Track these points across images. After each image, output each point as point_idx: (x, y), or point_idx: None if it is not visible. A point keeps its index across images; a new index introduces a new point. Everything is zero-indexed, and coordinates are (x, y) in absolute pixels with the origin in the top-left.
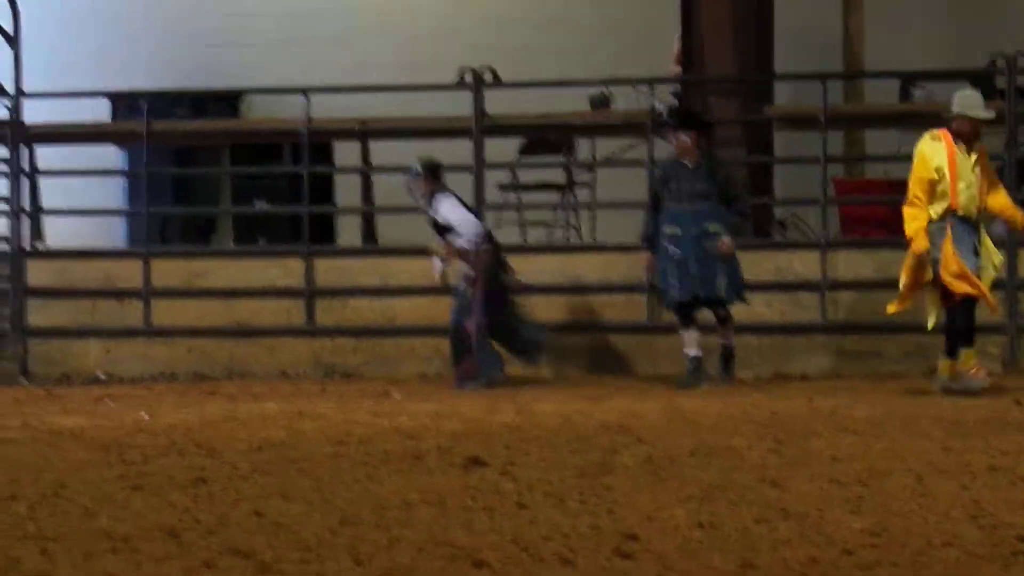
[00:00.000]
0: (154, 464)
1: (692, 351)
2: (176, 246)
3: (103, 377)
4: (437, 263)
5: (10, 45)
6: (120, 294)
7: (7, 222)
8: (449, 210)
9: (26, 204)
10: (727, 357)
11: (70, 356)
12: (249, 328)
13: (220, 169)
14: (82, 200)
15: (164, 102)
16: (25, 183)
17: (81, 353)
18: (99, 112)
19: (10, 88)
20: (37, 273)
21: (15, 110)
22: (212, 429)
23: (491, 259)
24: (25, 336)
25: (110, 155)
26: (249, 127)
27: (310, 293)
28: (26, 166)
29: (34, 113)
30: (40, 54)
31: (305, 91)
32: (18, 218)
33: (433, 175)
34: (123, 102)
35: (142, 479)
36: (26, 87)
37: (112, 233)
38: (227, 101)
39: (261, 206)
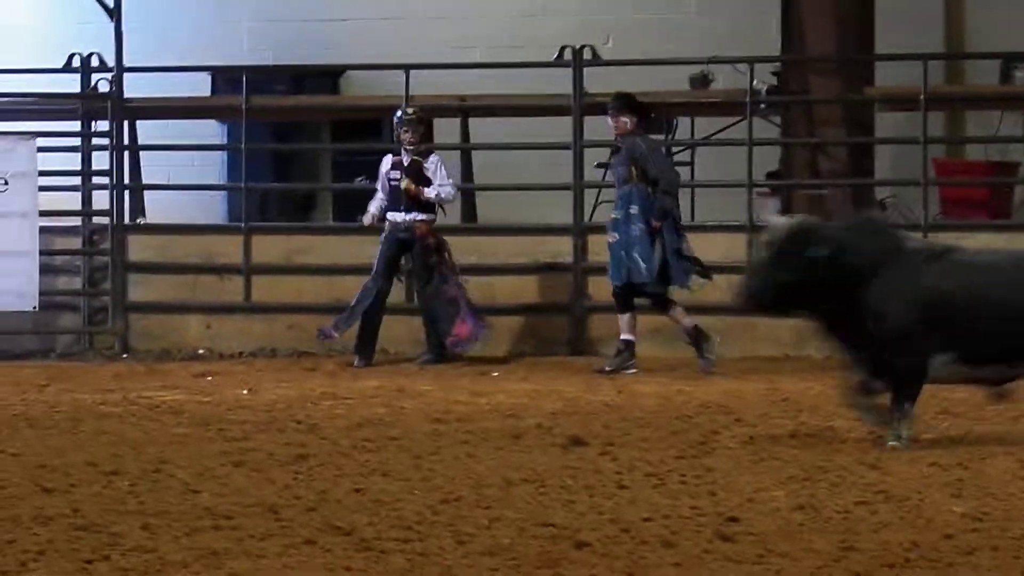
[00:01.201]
0: (255, 440)
1: (624, 335)
2: (276, 222)
3: (203, 353)
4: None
5: (111, 19)
6: (220, 270)
7: (108, 197)
8: (437, 164)
9: (127, 179)
10: (693, 341)
11: (171, 331)
12: (349, 304)
13: (320, 145)
14: (182, 175)
15: (264, 77)
16: (126, 158)
17: (182, 328)
18: (199, 87)
19: (111, 63)
20: (138, 248)
21: (116, 85)
22: (312, 406)
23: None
24: (126, 311)
25: (211, 130)
26: (349, 103)
27: (409, 271)
28: (127, 141)
29: (135, 88)
30: (141, 29)
31: (406, 68)
32: (119, 193)
33: (426, 125)
34: (223, 77)
35: (243, 455)
36: (127, 62)
37: (212, 208)
38: (327, 77)
39: (361, 182)
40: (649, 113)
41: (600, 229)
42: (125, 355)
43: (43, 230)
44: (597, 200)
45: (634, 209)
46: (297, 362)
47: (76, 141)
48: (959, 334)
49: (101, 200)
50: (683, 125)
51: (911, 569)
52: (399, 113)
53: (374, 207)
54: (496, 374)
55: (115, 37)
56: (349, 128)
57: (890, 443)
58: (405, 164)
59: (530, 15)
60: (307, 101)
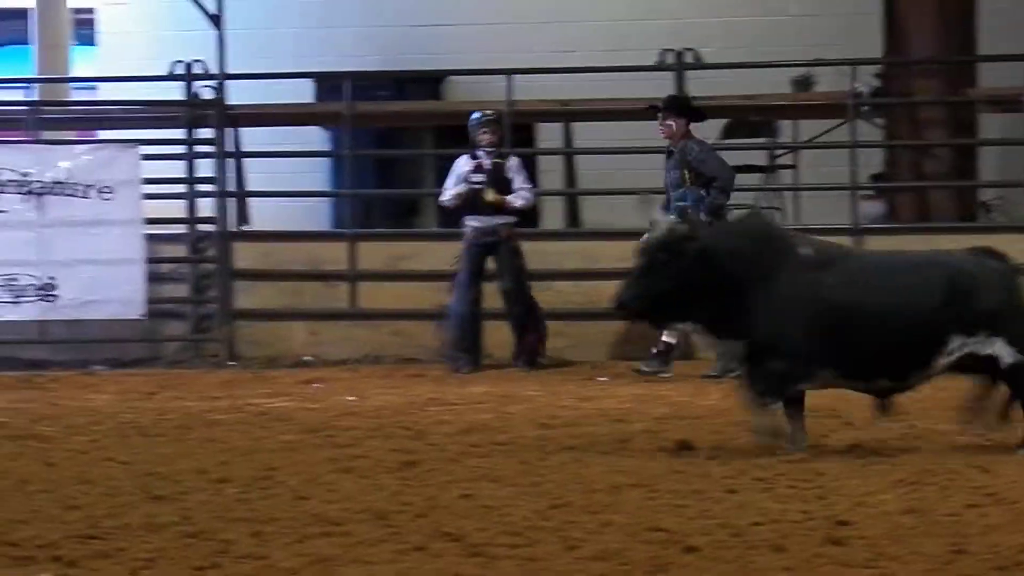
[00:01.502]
0: (363, 447)
1: (666, 337)
2: (380, 228)
3: (309, 359)
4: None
5: (215, 27)
6: (325, 276)
7: (213, 204)
8: (518, 168)
9: (232, 186)
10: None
11: (276, 338)
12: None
13: (423, 151)
14: (287, 182)
15: (367, 83)
16: (230, 165)
17: (287, 335)
18: (303, 93)
19: (214, 70)
20: (243, 255)
21: (219, 91)
22: (419, 412)
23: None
24: (232, 318)
25: (315, 136)
26: (452, 108)
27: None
28: (231, 148)
29: (238, 95)
30: (244, 36)
31: (508, 72)
32: (224, 200)
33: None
34: (326, 83)
35: (351, 462)
36: (230, 69)
37: (317, 215)
38: (430, 82)
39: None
40: (701, 115)
41: None
42: (232, 362)
43: (149, 238)
44: None
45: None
46: (402, 368)
47: (181, 149)
48: (842, 347)
49: (206, 207)
50: (785, 128)
51: (1022, 572)
52: (477, 115)
53: (455, 192)
54: (603, 379)
55: (218, 44)
56: (452, 133)
57: (783, 451)
58: (486, 167)
59: (631, 19)
60: (410, 107)
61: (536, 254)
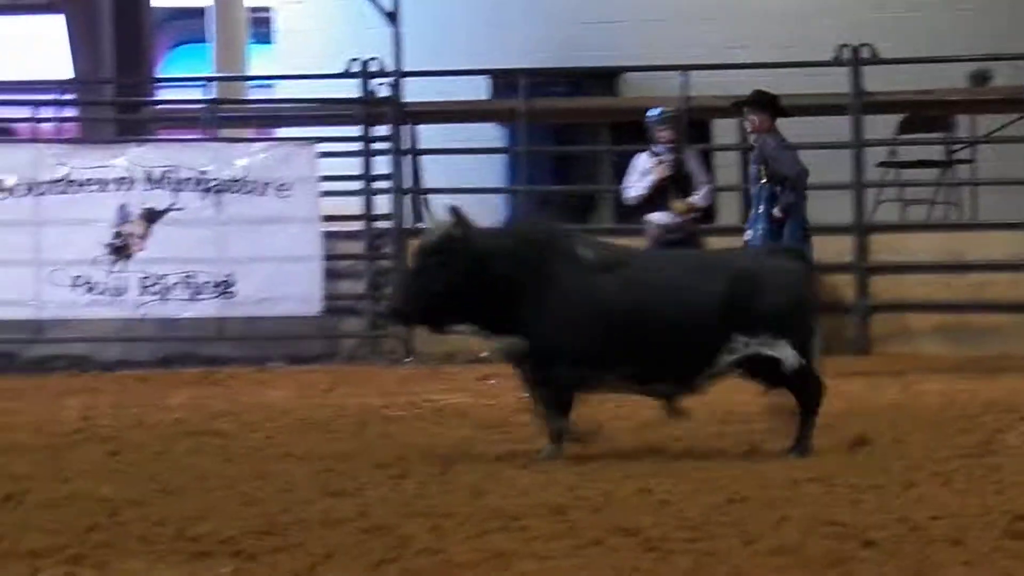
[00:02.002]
0: (539, 442)
1: None
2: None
3: (486, 355)
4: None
5: (391, 24)
6: None
7: (390, 200)
8: (699, 164)
9: (408, 183)
10: None
11: (453, 335)
12: None
13: (599, 147)
14: (463, 178)
15: (543, 80)
16: (407, 162)
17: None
18: (479, 90)
19: (390, 67)
20: None
21: (396, 89)
22: (594, 408)
23: None
24: None
25: (491, 133)
26: (627, 105)
27: None
28: (407, 145)
29: (414, 92)
30: (420, 33)
31: (683, 68)
32: (400, 197)
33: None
34: (502, 80)
35: (528, 457)
36: (406, 66)
37: (494, 211)
38: (605, 78)
39: None
40: (783, 111)
41: (881, 228)
42: (408, 359)
43: (326, 235)
44: (878, 199)
45: (762, 208)
46: None
47: (357, 146)
48: (624, 350)
49: (383, 204)
50: (962, 123)
51: None
52: (656, 111)
53: (639, 189)
54: None
55: (394, 42)
56: (627, 129)
57: (540, 456)
58: (667, 164)
59: (805, 14)
60: (586, 103)
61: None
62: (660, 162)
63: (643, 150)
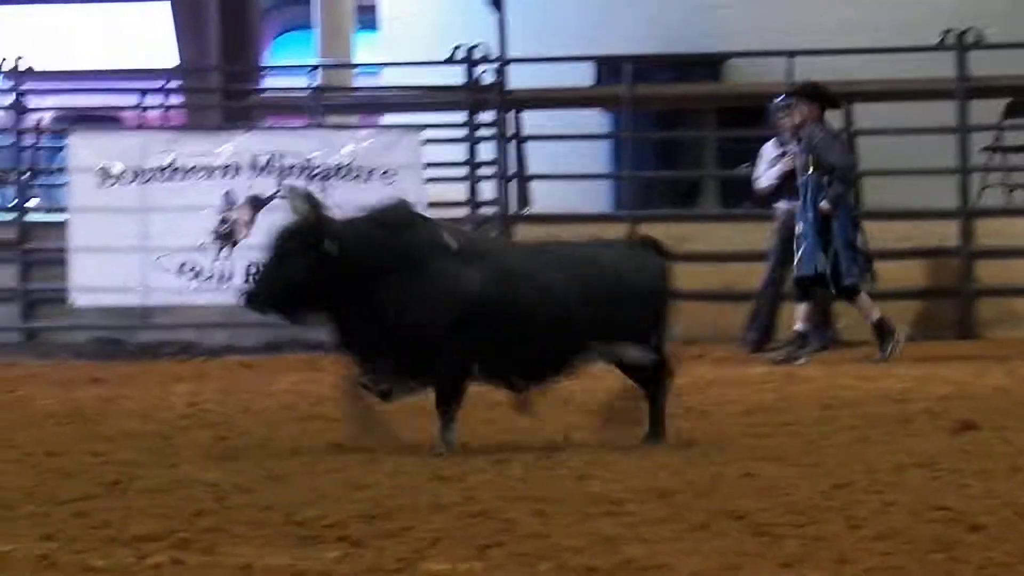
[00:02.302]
0: (644, 427)
1: (797, 324)
2: (661, 210)
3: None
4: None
5: (496, 11)
6: None
7: (494, 187)
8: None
9: (513, 169)
10: (877, 334)
11: None
12: (736, 292)
13: (704, 133)
14: (568, 164)
15: (647, 66)
16: (511, 148)
17: None
18: (583, 77)
19: (495, 54)
20: (525, 237)
21: (500, 75)
22: (701, 392)
23: None
24: None
25: (595, 119)
26: (733, 91)
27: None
28: (512, 131)
29: (519, 78)
30: (524, 20)
31: (789, 54)
32: (505, 183)
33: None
34: (607, 66)
35: (632, 441)
36: (511, 53)
37: (598, 197)
38: (710, 64)
39: (746, 169)
40: (834, 102)
41: (986, 213)
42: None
43: None
44: (983, 184)
45: (809, 199)
46: (685, 349)
47: (462, 132)
48: (483, 342)
49: (488, 191)
50: None
51: None
52: (780, 99)
53: (769, 178)
54: (880, 359)
55: (499, 28)
56: (733, 115)
57: (436, 451)
58: (792, 153)
59: None
60: (691, 89)
61: None
62: (784, 152)
63: (754, 137)
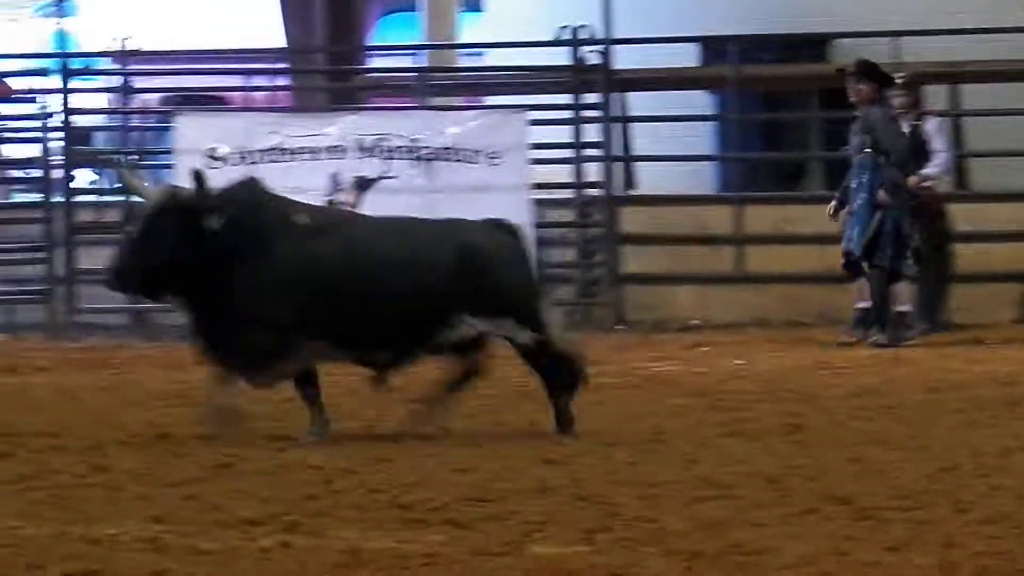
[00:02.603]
0: (751, 411)
1: (858, 303)
2: (766, 192)
3: (696, 323)
4: None
5: None
6: (712, 240)
7: (600, 168)
8: (937, 131)
9: (618, 150)
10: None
11: (663, 302)
12: (841, 274)
13: (809, 114)
14: (673, 146)
15: (753, 47)
16: (617, 129)
17: (674, 299)
18: (688, 57)
19: (601, 34)
20: (630, 220)
21: (606, 57)
22: (806, 375)
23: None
24: (620, 282)
25: (700, 100)
26: (837, 71)
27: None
28: (617, 112)
29: (624, 59)
30: (630, 1)
31: (894, 35)
32: (610, 164)
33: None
34: (712, 47)
35: (739, 425)
36: (616, 33)
37: (703, 179)
38: (815, 45)
39: (849, 151)
40: (890, 82)
41: None
42: (619, 326)
43: (536, 203)
44: None
45: (864, 179)
46: (790, 332)
47: (567, 114)
48: (335, 318)
49: (593, 172)
50: None
51: None
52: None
53: None
54: (990, 342)
55: (604, 9)
56: (838, 96)
57: (305, 439)
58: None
59: None
60: (796, 70)
61: None
62: None
63: (855, 118)
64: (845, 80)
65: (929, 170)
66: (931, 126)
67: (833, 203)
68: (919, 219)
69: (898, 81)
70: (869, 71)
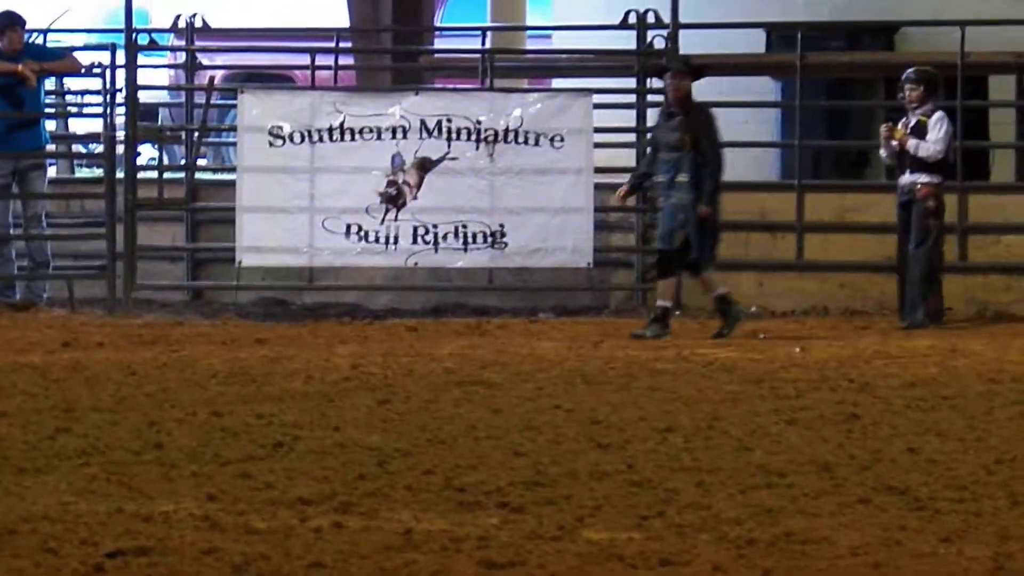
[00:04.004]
0: (807, 399)
1: (660, 301)
2: (830, 180)
3: (756, 310)
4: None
5: None
6: (773, 227)
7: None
8: (937, 121)
9: None
10: (720, 309)
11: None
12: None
13: (874, 102)
14: (737, 132)
15: (819, 34)
16: None
17: (734, 286)
18: (754, 44)
19: (667, 19)
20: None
21: (672, 42)
22: (864, 364)
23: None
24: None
25: (765, 87)
26: (903, 60)
27: (963, 229)
28: None
29: (690, 45)
30: None
31: (961, 24)
32: None
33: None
34: (778, 34)
35: (795, 413)
36: (683, 18)
37: (766, 166)
38: (882, 33)
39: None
40: (701, 74)
41: None
42: (677, 312)
43: (598, 187)
44: None
45: (682, 177)
46: (849, 320)
47: (632, 98)
48: None
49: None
50: None
51: None
52: (907, 72)
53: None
54: None
55: None
56: None
57: None
58: (911, 124)
59: None
60: (862, 58)
61: (985, 208)
62: (905, 123)
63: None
64: (664, 77)
65: (913, 143)
66: (933, 118)
67: (625, 187)
68: (918, 212)
69: (910, 75)
70: (688, 66)
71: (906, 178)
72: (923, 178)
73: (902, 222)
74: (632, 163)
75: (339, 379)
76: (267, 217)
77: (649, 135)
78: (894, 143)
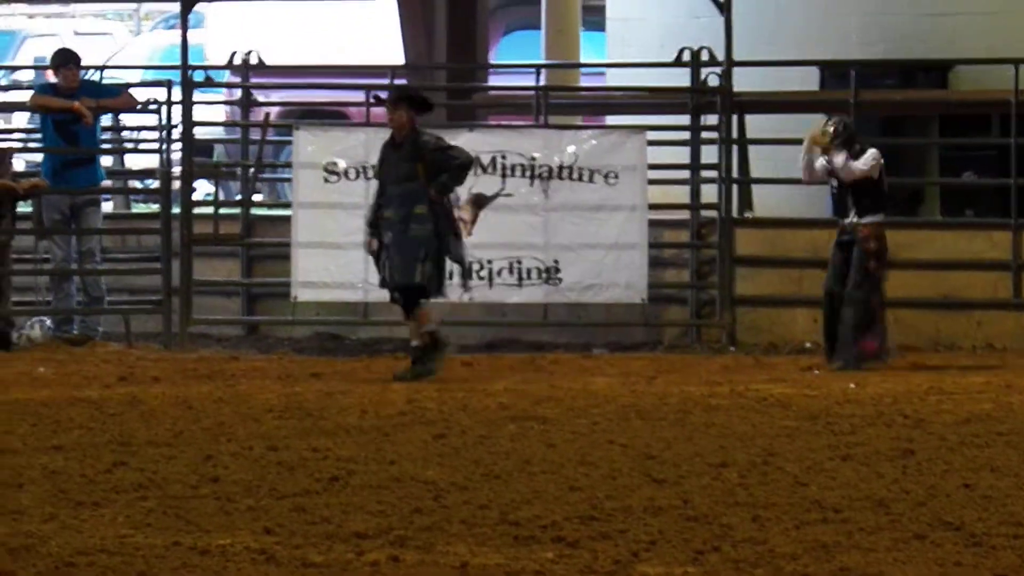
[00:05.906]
0: (862, 434)
1: (414, 342)
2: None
3: (810, 346)
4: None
5: (721, 13)
6: (827, 264)
7: (717, 190)
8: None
9: (735, 173)
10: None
11: (777, 325)
12: (956, 300)
13: (927, 140)
14: (790, 169)
15: (873, 72)
16: (735, 152)
17: (788, 322)
18: (808, 81)
19: (721, 57)
20: (745, 242)
21: (726, 79)
22: (918, 400)
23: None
24: (733, 304)
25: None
26: (957, 98)
27: (1018, 266)
28: (736, 135)
29: (744, 82)
30: (750, 23)
31: (1015, 62)
32: (727, 186)
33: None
34: (832, 71)
35: (850, 449)
36: (736, 56)
37: (819, 202)
38: (936, 71)
39: (969, 177)
40: (428, 108)
41: None
42: (732, 348)
43: (652, 223)
44: None
45: (420, 208)
46: (903, 357)
47: (686, 135)
48: None
49: (710, 194)
50: None
51: None
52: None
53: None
54: None
55: (725, 31)
56: (957, 123)
57: None
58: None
59: None
60: (916, 95)
61: None
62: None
63: (977, 145)
64: (385, 107)
65: (840, 159)
66: (867, 154)
67: (371, 239)
68: (859, 252)
69: (829, 128)
70: (407, 98)
71: (847, 219)
72: (866, 219)
73: (836, 260)
74: (686, 199)
75: (394, 413)
76: (322, 252)
77: (371, 171)
78: (817, 151)
